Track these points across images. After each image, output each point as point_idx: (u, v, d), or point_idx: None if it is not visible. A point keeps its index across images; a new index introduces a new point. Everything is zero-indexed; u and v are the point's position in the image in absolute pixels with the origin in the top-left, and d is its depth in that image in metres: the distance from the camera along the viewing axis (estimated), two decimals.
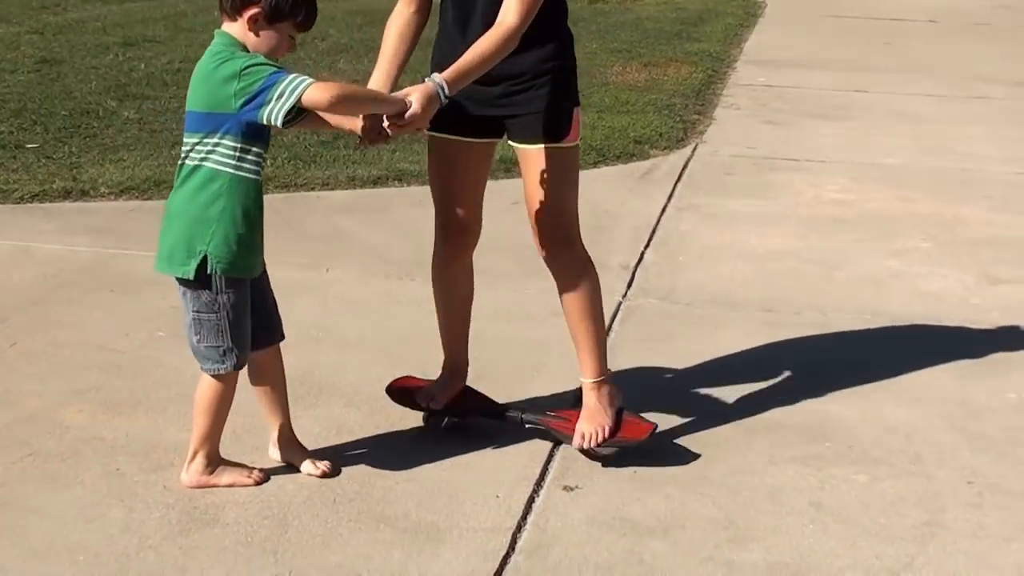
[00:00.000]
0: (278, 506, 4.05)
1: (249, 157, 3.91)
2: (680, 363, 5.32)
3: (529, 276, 6.20)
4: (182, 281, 3.97)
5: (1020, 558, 3.91)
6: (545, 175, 4.28)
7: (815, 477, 4.38)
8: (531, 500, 4.13)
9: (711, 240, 7.09)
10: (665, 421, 4.68)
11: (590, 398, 4.45)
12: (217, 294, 3.94)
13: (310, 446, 4.40)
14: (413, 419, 4.68)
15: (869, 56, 14.24)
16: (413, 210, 7.25)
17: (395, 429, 4.62)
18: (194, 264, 3.90)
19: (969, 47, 15.43)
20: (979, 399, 5.06)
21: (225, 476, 4.16)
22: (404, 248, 6.65)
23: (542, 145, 4.25)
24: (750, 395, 5.03)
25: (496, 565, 3.74)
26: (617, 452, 4.38)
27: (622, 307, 5.96)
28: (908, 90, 12.01)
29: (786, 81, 12.24)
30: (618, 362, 5.23)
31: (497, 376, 5.06)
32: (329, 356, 5.28)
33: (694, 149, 9.27)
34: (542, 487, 4.23)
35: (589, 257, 4.51)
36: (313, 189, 7.81)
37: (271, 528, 3.92)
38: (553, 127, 4.25)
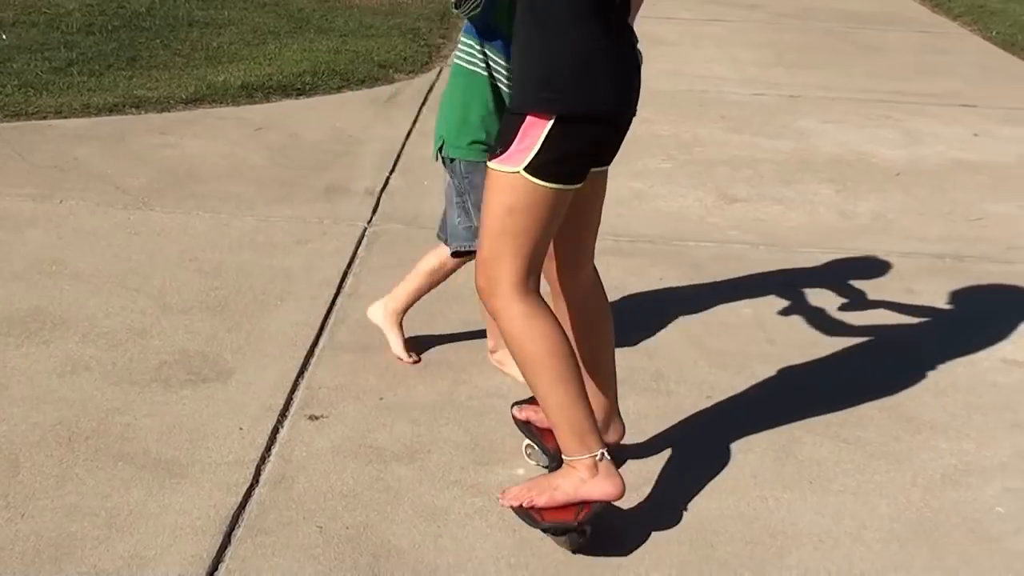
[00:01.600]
0: (8, 447, 3.87)
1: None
2: (436, 295, 5.27)
3: (273, 203, 6.10)
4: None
5: (756, 468, 3.99)
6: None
7: None
8: (275, 431, 4.04)
9: None
10: (411, 345, 4.64)
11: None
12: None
13: (43, 384, 4.23)
14: (152, 354, 4.54)
15: None
16: (150, 137, 7.03)
17: (133, 363, 4.47)
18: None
19: None
20: (717, 316, 5.15)
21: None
22: (141, 177, 6.44)
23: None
24: None
25: (239, 498, 3.65)
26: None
27: (367, 233, 5.88)
28: (648, 12, 12.08)
29: None
30: (363, 288, 5.18)
31: (240, 306, 4.94)
32: (64, 290, 5.07)
33: (439, 73, 9.19)
34: (287, 417, 4.14)
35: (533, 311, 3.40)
36: (45, 118, 7.49)
37: (1, 471, 3.75)
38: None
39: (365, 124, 7.69)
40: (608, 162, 3.54)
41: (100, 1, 11.11)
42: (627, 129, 3.45)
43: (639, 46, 3.40)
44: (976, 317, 5.33)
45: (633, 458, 4.00)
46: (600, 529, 3.50)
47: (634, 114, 3.42)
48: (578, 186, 3.33)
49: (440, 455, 3.97)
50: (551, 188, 3.26)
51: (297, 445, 3.97)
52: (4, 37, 9.47)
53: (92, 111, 7.67)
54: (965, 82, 9.94)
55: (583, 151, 3.29)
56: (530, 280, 3.36)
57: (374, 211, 6.18)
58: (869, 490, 3.92)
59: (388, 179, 6.67)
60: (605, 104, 3.27)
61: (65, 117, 7.54)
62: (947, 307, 5.44)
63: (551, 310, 3.44)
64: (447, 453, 3.98)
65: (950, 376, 4.72)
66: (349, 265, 5.45)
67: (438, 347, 4.73)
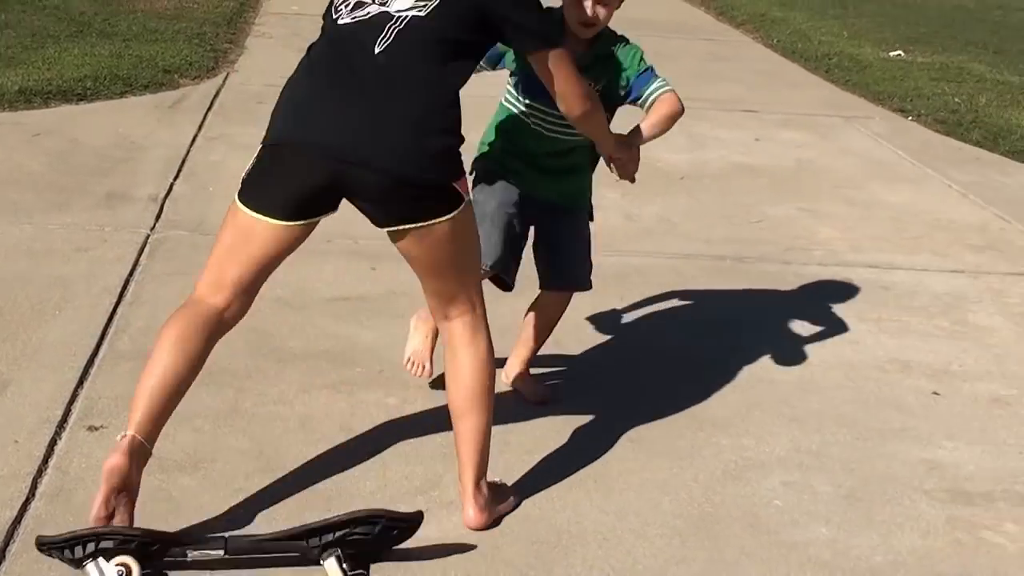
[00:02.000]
0: None
1: None
2: None
3: (51, 210, 5.96)
4: None
5: (541, 468, 4.03)
6: None
7: (346, 403, 4.38)
8: (53, 443, 3.93)
9: (241, 169, 6.89)
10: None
11: None
12: None
13: None
14: None
15: None
16: None
17: None
18: None
19: None
20: (503, 318, 5.17)
21: None
22: None
23: None
24: (285, 324, 4.97)
25: (15, 513, 3.54)
26: None
27: (150, 240, 5.77)
28: None
29: (319, 8, 12.10)
30: (145, 295, 5.09)
31: (16, 316, 4.82)
32: None
33: (225, 78, 9.10)
34: (65, 429, 4.03)
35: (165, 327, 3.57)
36: None
37: None
38: None
39: (149, 130, 7.55)
40: (382, 221, 3.56)
41: None
42: (324, 168, 3.44)
43: None
44: (756, 316, 5.48)
45: (416, 463, 4.01)
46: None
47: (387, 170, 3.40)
48: (275, 221, 3.53)
49: (224, 463, 3.92)
50: (240, 209, 3.61)
51: (76, 457, 3.88)
52: None
53: None
54: (747, 88, 10.21)
55: (270, 180, 3.56)
56: (203, 292, 3.60)
57: (157, 218, 6.07)
58: (652, 487, 3.99)
59: (172, 185, 6.56)
60: (275, 131, 3.58)
61: None
62: (728, 307, 5.57)
63: (174, 337, 3.50)
64: (231, 461, 3.94)
65: (730, 374, 4.84)
66: (131, 273, 5.35)
67: (222, 355, 4.66)
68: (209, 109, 8.19)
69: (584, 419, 4.39)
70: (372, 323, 5.05)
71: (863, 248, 6.47)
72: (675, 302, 5.52)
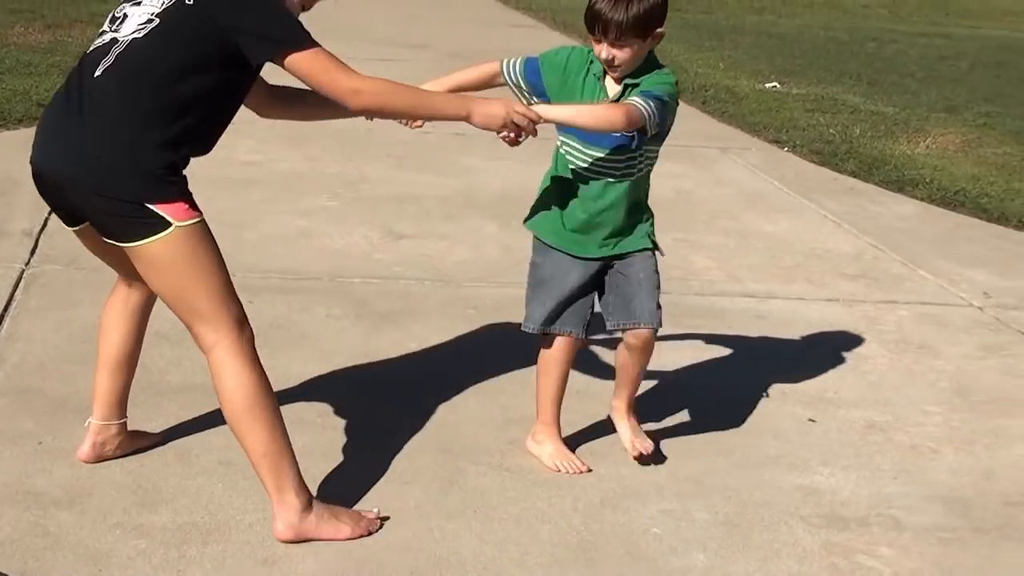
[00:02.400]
0: None
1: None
2: (82, 329, 5.15)
3: None
4: None
5: (420, 499, 4.05)
6: None
7: (224, 435, 4.35)
8: None
9: None
10: (69, 387, 4.55)
11: None
12: None
13: None
14: None
15: None
16: None
17: None
18: None
19: (376, 11, 15.88)
20: (383, 350, 5.21)
21: None
22: None
23: None
24: (162, 357, 4.94)
25: None
26: None
27: (25, 275, 5.72)
28: None
29: None
30: (20, 331, 5.04)
31: None
32: None
33: None
34: None
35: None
36: None
37: None
38: None
39: (23, 164, 7.42)
40: (71, 222, 3.80)
41: None
42: (53, 189, 3.68)
43: None
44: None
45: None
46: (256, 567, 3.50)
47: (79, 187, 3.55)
48: (70, 228, 3.83)
49: (102, 498, 3.89)
50: None
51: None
52: None
53: None
54: None
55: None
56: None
57: (32, 252, 6.02)
58: (532, 517, 4.02)
59: (47, 220, 6.48)
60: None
61: None
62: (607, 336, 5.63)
63: (104, 324, 4.10)
64: (109, 496, 3.91)
65: (607, 403, 4.88)
66: (6, 308, 5.29)
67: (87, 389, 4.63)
68: None
69: (462, 450, 4.42)
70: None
71: (740, 278, 6.59)
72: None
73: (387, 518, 3.88)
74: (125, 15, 3.59)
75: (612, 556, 3.85)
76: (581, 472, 4.34)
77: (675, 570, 3.80)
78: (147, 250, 3.52)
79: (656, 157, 4.25)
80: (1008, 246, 7.60)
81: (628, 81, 4.07)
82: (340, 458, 4.30)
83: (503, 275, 6.25)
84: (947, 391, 5.32)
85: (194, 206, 3.56)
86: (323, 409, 4.63)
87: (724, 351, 5.55)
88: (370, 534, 3.79)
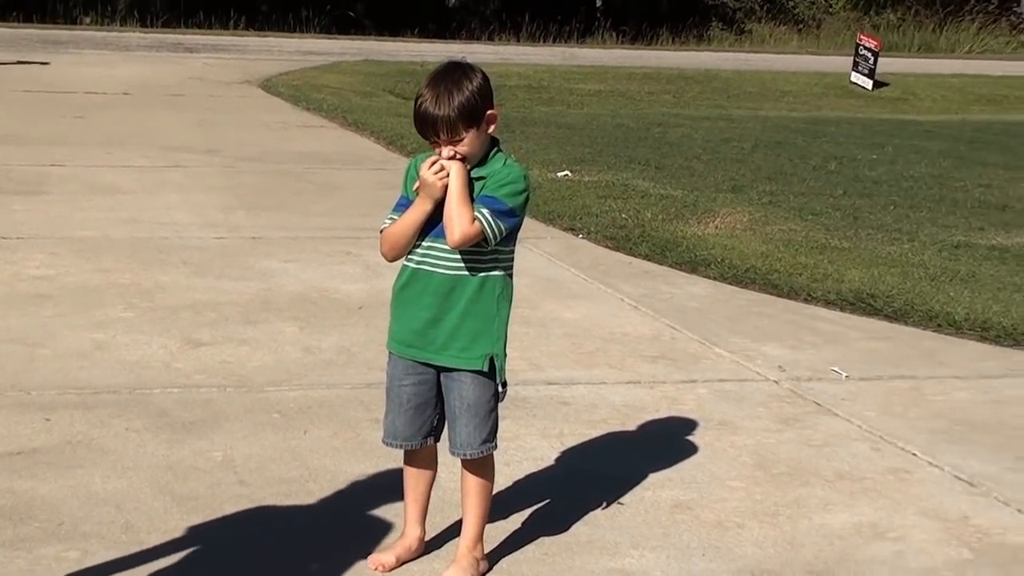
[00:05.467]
0: None
1: None
2: None
3: None
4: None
5: None
6: None
7: (24, 560, 4.24)
8: None
9: None
10: None
11: None
12: None
13: None
14: None
15: (65, 130, 14.14)
16: None
17: None
18: None
19: (165, 117, 15.76)
20: (186, 461, 5.13)
21: None
22: None
23: None
24: None
25: None
26: None
27: None
28: (105, 162, 12.02)
29: None
30: None
31: None
32: None
33: None
34: None
35: None
36: None
37: None
38: None
39: None
40: None
41: None
42: None
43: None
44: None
45: None
46: None
47: None
48: None
49: None
50: None
51: None
52: None
53: None
54: None
55: None
56: None
57: None
58: None
59: None
60: None
61: None
62: None
63: None
64: None
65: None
66: None
67: None
68: None
69: (268, 561, 4.36)
70: (49, 475, 4.91)
71: (542, 366, 6.65)
72: (358, 432, 5.53)
73: None
74: None
75: None
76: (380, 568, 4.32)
77: None
78: None
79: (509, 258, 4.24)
80: (798, 319, 7.81)
81: (476, 173, 4.08)
82: (146, 573, 4.21)
83: (305, 377, 6.22)
84: (748, 465, 5.43)
85: None
86: (128, 524, 4.54)
87: (530, 439, 5.59)
88: None
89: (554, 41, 39.26)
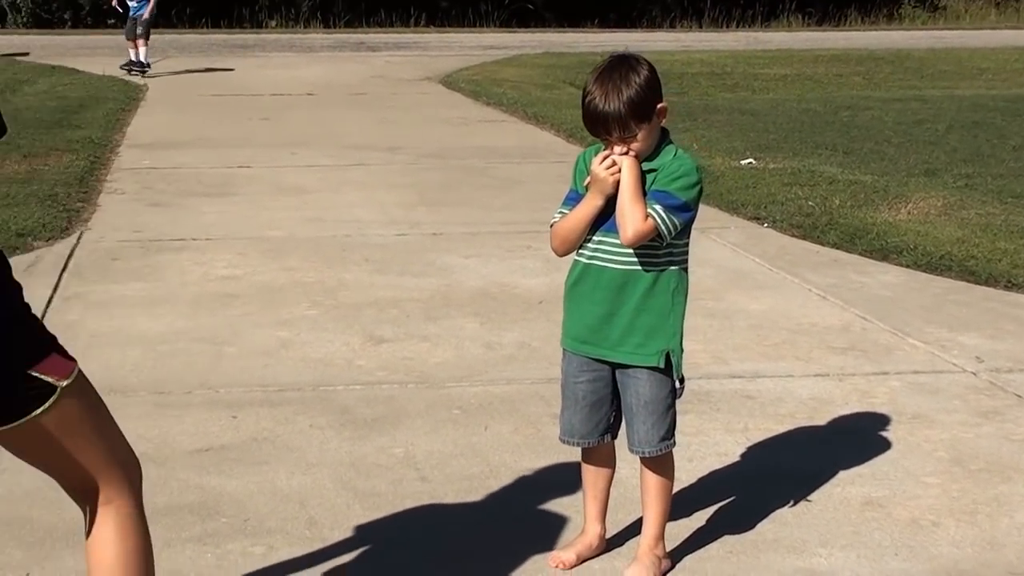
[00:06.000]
0: None
1: None
2: None
3: None
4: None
5: None
6: None
7: (212, 554, 4.32)
8: None
9: (99, 327, 6.89)
10: (56, 515, 4.49)
11: None
12: None
13: None
14: None
15: (251, 132, 14.44)
16: None
17: None
18: None
19: (347, 116, 15.98)
20: (368, 457, 5.17)
21: None
22: None
23: None
24: (147, 479, 4.87)
25: None
26: None
27: None
28: (289, 163, 12.25)
29: (170, 162, 12.21)
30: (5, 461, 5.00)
31: None
32: None
33: (79, 237, 9.06)
34: None
35: None
36: None
37: None
38: None
39: None
40: None
41: None
42: None
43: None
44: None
45: None
46: None
47: None
48: None
49: None
50: None
51: None
52: None
53: None
54: None
55: None
56: None
57: None
58: None
59: None
60: None
61: None
62: None
63: None
64: None
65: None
66: None
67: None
68: (64, 270, 8.15)
69: (445, 549, 4.37)
70: (236, 472, 5.00)
71: (726, 359, 6.56)
72: (539, 428, 5.51)
73: None
74: None
75: None
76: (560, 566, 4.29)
77: None
78: (32, 426, 3.00)
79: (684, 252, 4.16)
80: (998, 307, 7.57)
81: (646, 166, 4.01)
82: (335, 566, 4.26)
83: (486, 373, 6.23)
84: (944, 461, 5.27)
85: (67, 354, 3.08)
86: (312, 520, 4.59)
87: (714, 435, 5.51)
88: None
89: (737, 26, 38.88)
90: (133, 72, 21.34)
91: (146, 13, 21.25)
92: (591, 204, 4.03)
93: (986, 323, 7.21)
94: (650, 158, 4.03)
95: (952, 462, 5.26)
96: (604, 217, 4.03)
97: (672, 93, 19.00)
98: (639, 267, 4.04)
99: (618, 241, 4.01)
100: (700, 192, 4.06)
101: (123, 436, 3.25)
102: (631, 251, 4.02)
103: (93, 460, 3.15)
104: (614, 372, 4.19)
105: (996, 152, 13.58)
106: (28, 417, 2.96)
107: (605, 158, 4.00)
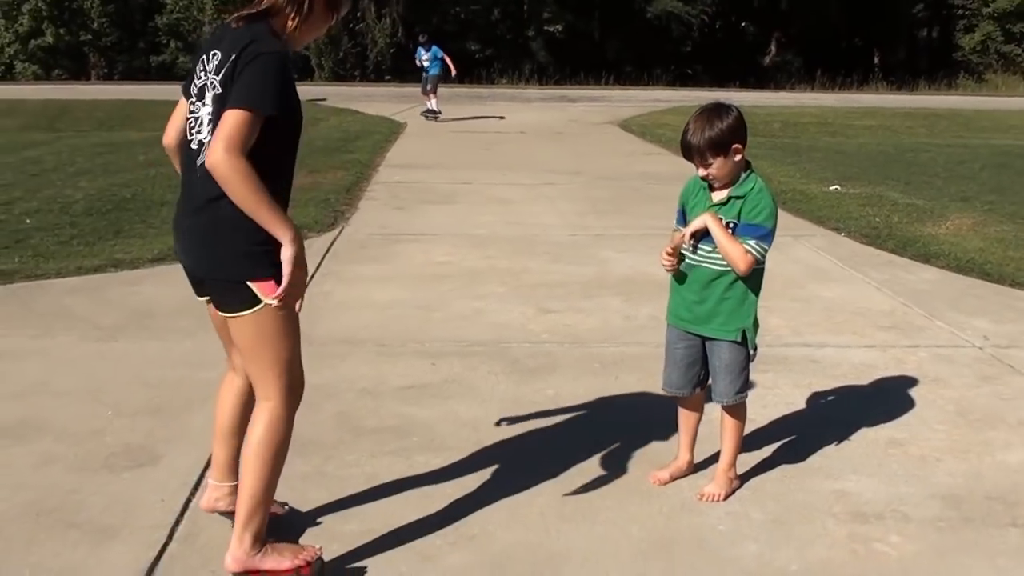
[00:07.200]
0: None
1: None
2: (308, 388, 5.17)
3: (211, 331, 5.97)
4: None
5: (543, 506, 3.93)
6: None
7: (404, 464, 4.32)
8: (188, 501, 3.92)
9: (345, 296, 6.96)
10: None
11: None
12: None
13: (26, 475, 4.09)
14: (104, 448, 4.39)
15: (475, 159, 14.46)
16: (122, 288, 6.92)
17: (89, 455, 4.33)
18: None
19: (547, 148, 15.91)
20: (527, 396, 5.12)
21: None
22: (112, 317, 6.31)
23: None
24: (364, 407, 4.94)
25: (156, 552, 3.54)
26: None
27: None
28: (500, 181, 12.23)
29: (414, 178, 12.28)
30: None
31: (174, 409, 4.82)
32: (46, 404, 4.91)
33: (340, 231, 9.16)
34: (199, 490, 4.01)
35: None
36: (48, 278, 7.32)
37: None
38: None
39: None
40: (200, 293, 3.34)
41: (99, 190, 10.99)
42: (199, 281, 3.30)
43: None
44: None
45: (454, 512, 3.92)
46: None
47: (195, 270, 3.26)
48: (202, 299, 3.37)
49: (306, 513, 3.86)
50: None
51: (200, 513, 3.82)
52: (29, 221, 9.30)
53: (83, 271, 7.51)
54: None
55: None
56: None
57: None
58: (625, 519, 3.88)
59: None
60: None
61: (63, 276, 7.38)
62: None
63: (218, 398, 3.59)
64: (312, 513, 3.87)
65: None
66: None
67: (314, 431, 4.62)
68: (326, 253, 8.25)
69: (575, 464, 4.30)
70: (429, 404, 4.99)
71: (801, 332, 6.33)
72: (656, 380, 5.39)
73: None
74: (198, 119, 3.15)
75: (686, 548, 3.69)
76: (657, 482, 4.19)
77: (733, 557, 3.63)
78: (241, 321, 3.14)
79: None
80: (1004, 300, 7.19)
81: (732, 194, 3.86)
82: (493, 474, 4.22)
83: (622, 337, 6.12)
84: (951, 413, 5.01)
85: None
86: (479, 441, 4.56)
87: (785, 388, 5.33)
88: (308, 564, 3.34)
89: (839, 89, 37.83)
90: (429, 118, 20.61)
91: (438, 71, 20.95)
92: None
93: (994, 311, 6.84)
94: (734, 184, 3.88)
95: (956, 414, 5.00)
96: (703, 232, 3.90)
97: (788, 137, 18.55)
98: (726, 268, 3.91)
99: (710, 248, 3.89)
100: (776, 214, 3.89)
101: (301, 366, 3.32)
102: (720, 256, 3.88)
103: (269, 367, 3.20)
104: (704, 342, 4.05)
105: (1014, 186, 12.93)
106: (234, 314, 3.12)
107: (668, 254, 3.96)
